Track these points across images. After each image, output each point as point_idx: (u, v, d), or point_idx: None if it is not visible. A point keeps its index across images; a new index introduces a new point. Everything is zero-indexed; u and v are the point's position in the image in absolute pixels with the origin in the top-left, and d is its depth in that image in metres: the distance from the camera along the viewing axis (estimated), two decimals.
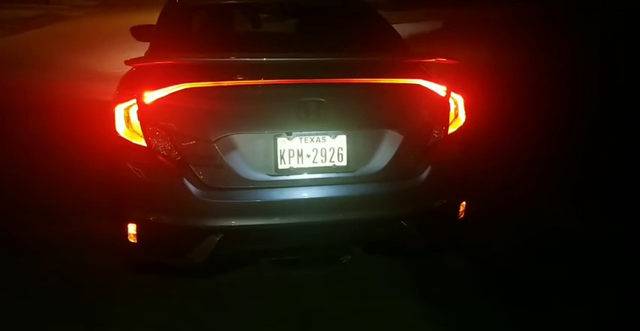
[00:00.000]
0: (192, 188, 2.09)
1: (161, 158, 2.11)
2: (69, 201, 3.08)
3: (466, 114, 2.41)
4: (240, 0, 3.08)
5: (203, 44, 2.76)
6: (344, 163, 2.19)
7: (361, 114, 2.25)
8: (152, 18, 3.08)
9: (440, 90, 2.33)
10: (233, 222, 2.13)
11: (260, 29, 3.13)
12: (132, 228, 2.16)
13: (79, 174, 3.23)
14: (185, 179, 2.09)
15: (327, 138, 2.17)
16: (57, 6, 21.52)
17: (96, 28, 14.18)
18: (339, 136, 2.18)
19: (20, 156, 3.83)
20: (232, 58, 2.24)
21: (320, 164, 2.18)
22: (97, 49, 9.40)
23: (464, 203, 2.44)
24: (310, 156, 2.17)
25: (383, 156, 2.20)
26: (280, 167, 2.16)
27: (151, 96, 2.11)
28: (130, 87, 2.25)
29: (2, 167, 3.49)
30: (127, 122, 2.16)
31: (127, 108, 2.16)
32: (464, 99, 2.42)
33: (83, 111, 4.83)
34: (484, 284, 2.47)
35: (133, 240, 2.18)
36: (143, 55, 2.51)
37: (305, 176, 2.19)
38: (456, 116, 2.38)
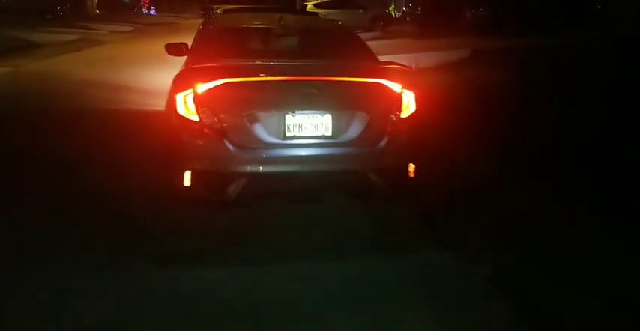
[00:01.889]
0: (230, 147, 3.09)
1: (208, 128, 3.11)
2: (144, 164, 4.15)
3: (417, 105, 3.31)
4: (256, 25, 4.36)
5: (232, 54, 3.68)
6: (329, 133, 3.19)
7: (341, 100, 3.28)
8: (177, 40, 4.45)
9: (396, 87, 3.28)
10: (255, 170, 3.17)
11: (271, 44, 4.15)
12: (187, 176, 3.14)
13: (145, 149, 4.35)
14: (225, 141, 3.09)
15: (318, 116, 3.17)
16: (95, 31, 22.62)
17: (130, 52, 14.82)
18: (326, 115, 3.18)
19: (106, 142, 5.18)
20: (257, 62, 3.45)
21: (313, 133, 3.18)
22: (130, 70, 10.48)
23: (412, 165, 3.35)
24: (307, 128, 3.17)
25: (356, 129, 3.21)
26: (287, 134, 3.16)
27: (202, 87, 3.08)
28: (185, 81, 3.18)
29: (98, 150, 4.91)
30: (185, 104, 3.11)
31: (185, 96, 3.11)
32: (415, 94, 3.31)
33: (124, 115, 6.49)
34: (423, 220, 3.63)
35: (188, 183, 3.15)
36: (180, 68, 3.59)
37: (303, 141, 3.20)
38: (408, 106, 3.30)
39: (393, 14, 26.88)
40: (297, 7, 18.49)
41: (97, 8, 45.74)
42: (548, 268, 2.87)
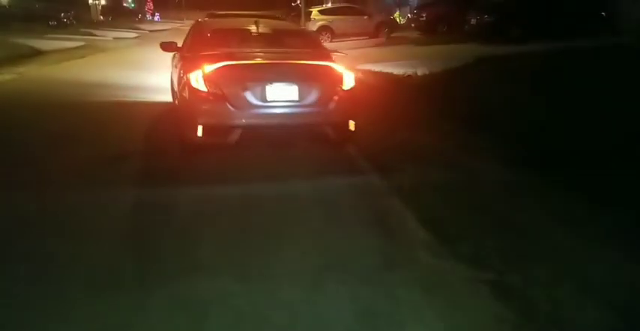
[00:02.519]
0: (230, 107, 4.32)
1: (213, 95, 4.33)
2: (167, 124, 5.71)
3: (354, 81, 4.70)
4: (237, 26, 5.68)
5: (222, 45, 4.86)
6: (296, 98, 4.46)
7: (304, 76, 4.55)
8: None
9: (340, 68, 4.69)
10: (247, 123, 4.44)
11: (249, 40, 5.21)
12: (200, 128, 4.35)
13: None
14: (227, 103, 4.32)
15: (288, 86, 4.44)
16: (99, 38, 22.68)
17: (133, 58, 14.83)
18: (293, 86, 4.45)
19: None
20: (245, 50, 4.87)
21: (285, 98, 4.45)
22: (132, 73, 10.64)
23: (352, 121, 4.66)
24: (281, 95, 4.43)
25: (313, 96, 4.49)
26: (268, 99, 4.40)
27: (208, 68, 4.32)
28: (194, 65, 4.45)
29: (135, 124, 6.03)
30: (196, 80, 4.33)
31: (196, 74, 4.34)
32: (353, 74, 4.80)
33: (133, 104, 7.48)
34: (358, 158, 4.91)
35: (200, 134, 4.35)
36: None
37: (279, 103, 4.45)
38: (348, 81, 4.62)
39: (398, 20, 26.85)
40: (302, 14, 18.49)
41: (102, 14, 45.99)
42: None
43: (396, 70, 9.74)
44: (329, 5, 25.50)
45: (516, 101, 6.21)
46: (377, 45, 17.06)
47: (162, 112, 6.47)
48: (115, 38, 23.65)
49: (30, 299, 2.41)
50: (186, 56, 4.97)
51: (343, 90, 4.56)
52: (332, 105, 4.51)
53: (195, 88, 4.33)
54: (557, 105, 5.85)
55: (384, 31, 20.10)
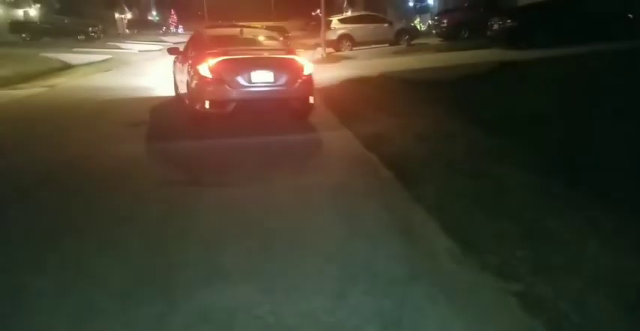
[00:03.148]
0: (227, 87, 6.09)
1: (216, 80, 6.06)
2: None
3: (312, 70, 6.50)
4: (226, 33, 7.85)
5: (219, 46, 6.49)
6: (272, 80, 6.19)
7: (276, 66, 6.28)
8: None
9: (301, 60, 6.49)
10: (238, 97, 6.20)
11: (239, 42, 7.05)
12: (207, 103, 6.09)
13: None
14: (225, 85, 6.08)
15: (266, 72, 6.17)
16: (126, 50, 23.17)
17: (155, 70, 15.03)
18: (269, 72, 6.19)
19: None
20: (237, 48, 6.59)
21: (264, 81, 6.19)
22: (153, 82, 10.77)
23: (311, 97, 6.47)
24: (261, 78, 6.15)
25: (283, 78, 6.23)
26: (252, 81, 6.15)
27: (212, 62, 6.10)
28: (201, 59, 6.22)
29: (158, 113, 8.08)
30: (203, 69, 6.06)
31: (203, 65, 6.09)
32: (311, 64, 6.63)
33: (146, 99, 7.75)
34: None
35: (207, 106, 6.11)
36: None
37: (259, 84, 6.18)
38: (307, 69, 6.39)
39: (419, 27, 26.75)
40: (323, 23, 18.59)
41: (128, 28, 47.04)
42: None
43: (418, 76, 9.69)
44: (349, 13, 25.54)
45: (549, 109, 6.11)
46: (398, 52, 17.00)
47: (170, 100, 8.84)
48: (140, 51, 24.13)
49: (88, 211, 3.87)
50: (192, 55, 6.83)
51: (304, 75, 6.39)
52: (296, 85, 6.31)
53: (203, 75, 6.11)
54: (592, 113, 5.73)
55: (404, 38, 20.05)
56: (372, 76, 10.29)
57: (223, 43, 6.68)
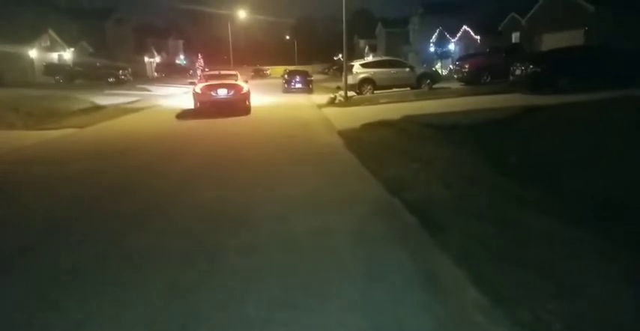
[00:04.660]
0: (207, 97, 14.77)
1: (205, 94, 14.77)
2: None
3: (248, 88, 15.50)
4: (212, 73, 17.85)
5: (208, 80, 16.06)
6: (226, 93, 14.86)
7: (229, 87, 15.09)
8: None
9: (243, 84, 15.56)
10: (213, 100, 14.82)
11: (216, 77, 16.50)
12: (199, 104, 14.89)
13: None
14: (206, 95, 14.80)
15: (224, 89, 14.89)
16: (153, 93, 23.87)
17: (184, 112, 15.47)
18: (225, 89, 14.93)
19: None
20: (213, 80, 16.08)
21: (223, 93, 14.83)
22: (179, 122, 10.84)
23: (248, 102, 15.48)
24: (222, 92, 14.82)
25: (232, 92, 14.90)
26: (218, 94, 14.83)
27: (199, 86, 15.24)
28: (197, 85, 15.51)
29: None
30: (197, 89, 15.09)
31: (198, 87, 15.18)
32: (247, 85, 15.93)
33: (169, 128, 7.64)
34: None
35: (198, 105, 14.91)
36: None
37: (222, 95, 14.85)
38: (245, 89, 15.25)
39: (440, 72, 27.05)
40: (345, 67, 18.97)
41: (156, 71, 48.68)
42: None
43: (441, 119, 9.69)
44: (370, 58, 26.03)
45: (573, 154, 5.99)
46: (419, 96, 17.15)
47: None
48: (168, 94, 24.84)
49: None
50: (196, 83, 15.76)
51: (244, 92, 14.85)
52: (239, 96, 14.70)
53: (197, 93, 14.70)
54: (620, 159, 5.60)
55: (426, 83, 20.27)
56: (394, 120, 10.32)
57: (209, 78, 16.16)
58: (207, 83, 14.96)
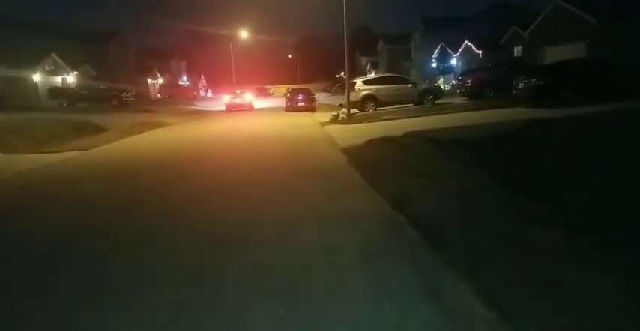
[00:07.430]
0: (231, 104, 32.93)
1: (230, 103, 33.07)
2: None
3: (253, 99, 35.24)
4: (233, 92, 38.05)
5: (229, 94, 36.03)
6: (242, 102, 33.47)
7: (244, 98, 34.50)
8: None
9: (249, 96, 35.26)
10: (233, 106, 32.84)
11: (236, 94, 35.70)
12: (226, 107, 32.39)
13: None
14: (231, 103, 33.16)
15: (241, 100, 33.56)
16: (157, 114, 24.04)
17: (184, 133, 15.52)
18: (243, 99, 33.82)
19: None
20: (234, 94, 35.83)
21: (241, 102, 33.33)
22: (183, 143, 10.88)
23: (254, 105, 33.06)
24: (240, 101, 33.31)
25: (246, 102, 33.58)
26: (237, 102, 33.48)
27: (227, 97, 35.17)
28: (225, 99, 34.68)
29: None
30: (225, 99, 35.00)
31: (225, 97, 35.70)
32: (253, 98, 35.73)
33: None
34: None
35: (226, 108, 32.31)
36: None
37: (240, 103, 33.26)
38: (253, 102, 34.92)
39: (442, 87, 27.17)
40: (347, 85, 19.11)
41: (159, 93, 49.19)
42: None
43: (444, 134, 9.68)
44: (372, 75, 26.19)
45: (575, 167, 5.95)
46: (422, 111, 17.19)
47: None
48: (171, 114, 25.02)
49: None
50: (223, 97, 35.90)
51: (250, 101, 33.05)
52: (250, 103, 32.66)
53: (226, 103, 32.71)
54: (623, 173, 5.55)
55: (428, 98, 20.34)
56: (397, 136, 10.33)
57: (231, 94, 34.83)
58: (230, 95, 33.78)
